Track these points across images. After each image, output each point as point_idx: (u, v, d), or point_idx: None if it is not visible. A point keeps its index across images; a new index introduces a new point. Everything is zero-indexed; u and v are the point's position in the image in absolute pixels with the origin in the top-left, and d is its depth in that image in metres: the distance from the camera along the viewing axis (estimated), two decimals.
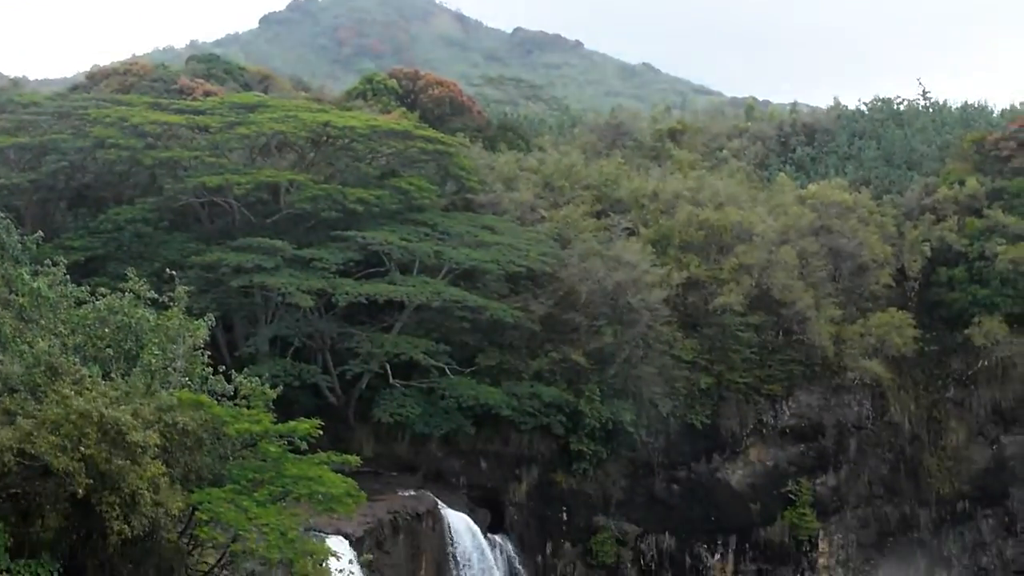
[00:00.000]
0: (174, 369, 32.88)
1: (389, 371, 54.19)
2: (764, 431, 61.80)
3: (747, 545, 60.92)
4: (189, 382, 33.12)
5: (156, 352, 32.46)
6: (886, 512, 63.82)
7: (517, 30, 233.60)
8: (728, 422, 60.88)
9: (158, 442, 28.50)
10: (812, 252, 62.78)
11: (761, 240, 62.22)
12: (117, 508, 27.41)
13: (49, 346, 29.51)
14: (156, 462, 28.25)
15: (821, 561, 62.31)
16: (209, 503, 30.06)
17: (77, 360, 30.53)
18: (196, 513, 30.45)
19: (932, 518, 64.35)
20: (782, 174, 74.02)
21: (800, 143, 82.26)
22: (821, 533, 62.12)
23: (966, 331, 64.32)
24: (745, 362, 61.14)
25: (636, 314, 57.89)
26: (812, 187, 68.83)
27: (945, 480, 64.44)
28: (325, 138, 60.26)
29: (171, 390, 31.46)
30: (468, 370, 55.76)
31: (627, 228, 63.03)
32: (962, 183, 68.70)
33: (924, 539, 64.28)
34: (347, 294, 52.55)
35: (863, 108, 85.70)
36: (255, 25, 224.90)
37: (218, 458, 31.95)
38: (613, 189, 67.19)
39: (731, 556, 60.76)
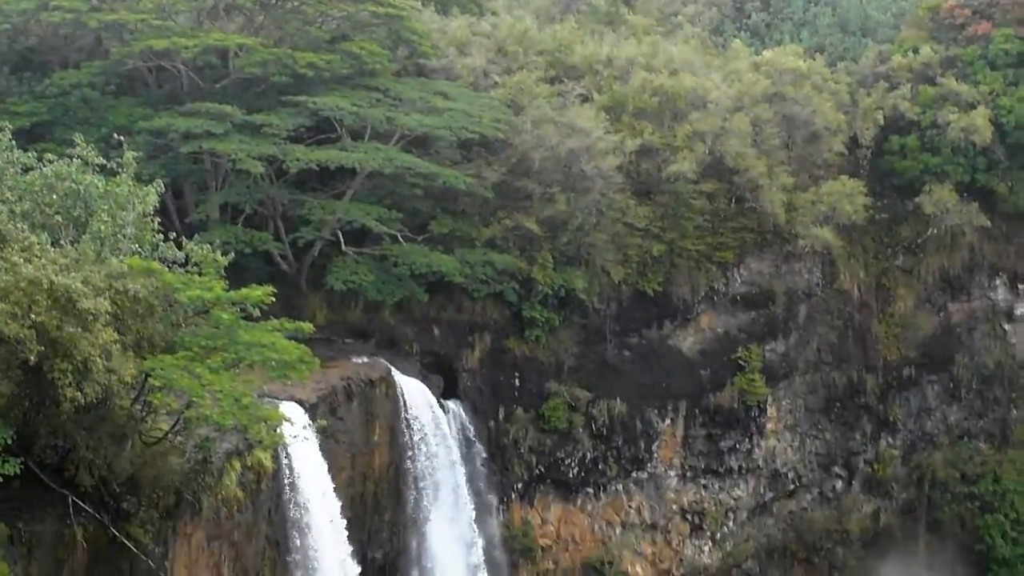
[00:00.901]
0: (124, 236, 32.59)
1: (341, 238, 53.97)
2: (715, 298, 62.23)
3: (697, 411, 61.69)
4: (139, 249, 32.86)
5: (105, 219, 32.15)
6: (834, 378, 64.70)
7: None
8: (679, 289, 61.19)
9: (109, 309, 28.35)
10: (766, 120, 62.55)
11: (715, 107, 61.94)
12: (69, 375, 27.37)
13: None
14: (107, 329, 28.13)
15: (769, 426, 63.29)
16: (162, 370, 30.04)
17: (25, 227, 30.20)
18: (149, 380, 30.44)
19: (879, 384, 65.31)
20: (737, 40, 73.44)
21: (755, 9, 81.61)
22: (770, 399, 62.98)
23: (916, 199, 64.68)
24: (697, 230, 61.27)
25: (589, 181, 57.74)
26: (767, 54, 68.27)
27: (892, 347, 65.31)
28: (274, 0, 59.10)
29: (121, 257, 31.22)
30: (421, 237, 55.64)
31: (581, 94, 62.53)
32: (916, 51, 68.40)
33: (870, 404, 65.30)
34: (298, 160, 52.04)
35: None
36: None
37: (170, 325, 31.86)
38: (567, 55, 66.44)
39: (681, 421, 61.56)
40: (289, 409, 39.48)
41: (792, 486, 64.93)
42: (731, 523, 63.82)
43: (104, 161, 34.31)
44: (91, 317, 27.66)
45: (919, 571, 66.17)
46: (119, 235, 32.64)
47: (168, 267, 32.63)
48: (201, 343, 31.87)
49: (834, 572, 65.83)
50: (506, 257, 56.23)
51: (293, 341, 33.80)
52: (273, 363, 32.85)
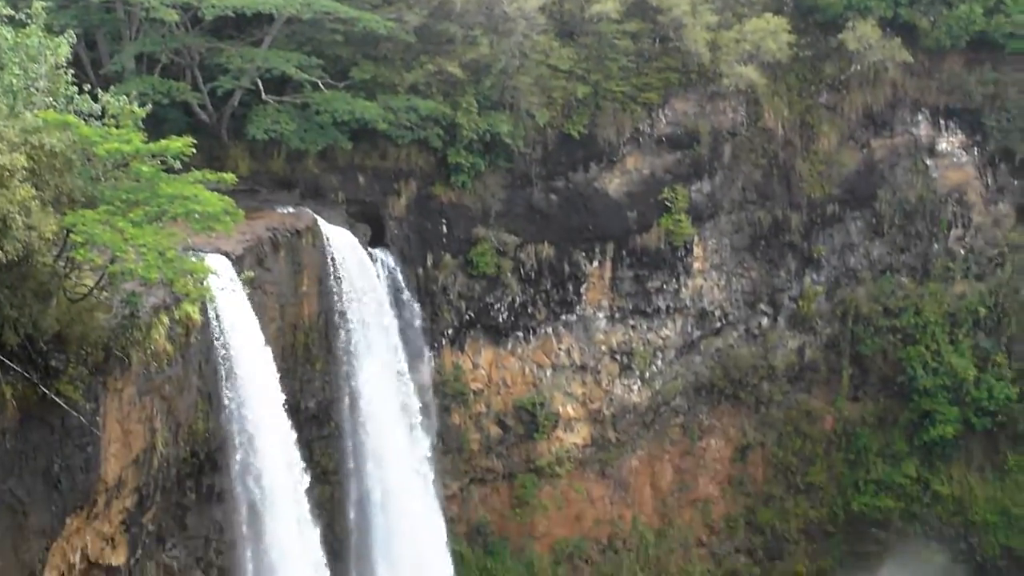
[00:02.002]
0: (37, 89, 31.80)
1: (261, 87, 53.08)
2: (640, 140, 62.11)
3: (624, 252, 62.00)
4: (54, 103, 32.09)
5: (17, 72, 31.28)
6: (759, 217, 65.14)
7: None
8: (605, 131, 60.96)
9: (25, 165, 27.76)
10: None
11: None
12: None
13: None
14: (25, 185, 27.57)
15: (696, 265, 63.82)
16: (83, 225, 29.52)
17: None
18: (70, 236, 29.94)
19: (803, 221, 65.85)
20: None
21: None
22: (696, 238, 63.38)
23: (840, 36, 64.47)
24: (622, 71, 60.85)
25: (512, 23, 57.00)
26: None
27: (816, 184, 65.71)
28: None
29: (35, 111, 30.47)
30: (342, 84, 54.87)
31: None
32: None
33: (795, 242, 65.93)
34: (213, 7, 50.72)
35: None
36: None
37: (89, 180, 31.27)
38: None
39: (608, 263, 61.91)
40: (215, 261, 39.15)
41: (719, 324, 65.79)
42: (659, 362, 64.70)
43: (12, 12, 33.33)
44: (7, 173, 27.07)
45: (844, 403, 67.72)
46: (32, 88, 31.83)
47: (84, 120, 31.92)
48: (122, 197, 31.32)
49: (760, 407, 67.19)
50: (430, 103, 55.64)
51: (216, 193, 33.32)
52: (197, 215, 32.37)
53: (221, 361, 40.57)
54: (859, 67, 65.37)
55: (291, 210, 50.60)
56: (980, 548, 66.68)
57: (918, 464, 67.12)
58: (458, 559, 58.31)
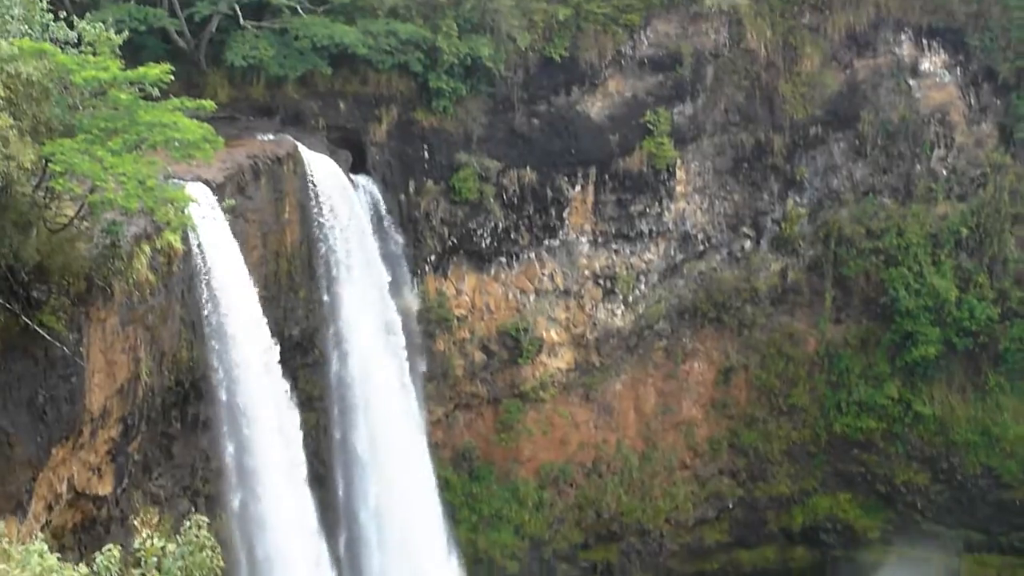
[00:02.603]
0: (12, 17, 31.37)
1: (239, 12, 52.46)
2: (622, 62, 61.67)
3: (606, 176, 61.79)
4: (29, 31, 31.68)
5: None
6: (741, 139, 64.88)
7: None
8: (586, 54, 60.50)
9: (2, 94, 27.43)
10: None
11: None
12: None
13: None
14: (2, 115, 27.25)
15: (679, 189, 63.68)
16: (62, 154, 29.24)
17: None
18: (49, 166, 29.66)
19: (786, 143, 65.61)
20: None
21: None
22: (678, 161, 63.16)
23: None
24: None
25: None
26: None
27: (799, 106, 65.41)
28: None
29: (11, 40, 30.02)
30: (321, 9, 54.22)
31: None
32: None
33: (778, 164, 65.74)
34: None
35: None
36: None
37: (67, 109, 30.92)
38: None
39: (591, 187, 61.74)
40: (196, 190, 38.92)
41: (702, 247, 65.77)
42: (642, 286, 64.74)
43: None
44: None
45: (827, 325, 67.94)
46: (6, 16, 31.39)
47: (60, 48, 31.52)
48: (100, 125, 30.98)
49: (743, 330, 67.37)
50: (409, 26, 55.09)
51: (195, 120, 33.00)
52: (176, 143, 32.10)
53: (203, 290, 40.47)
54: None
55: (271, 137, 50.22)
56: (961, 467, 67.21)
57: (900, 385, 67.45)
58: (444, 484, 58.68)
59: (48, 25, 32.56)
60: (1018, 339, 66.13)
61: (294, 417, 45.17)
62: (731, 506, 68.73)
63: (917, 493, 68.18)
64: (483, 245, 59.93)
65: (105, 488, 36.92)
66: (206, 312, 40.83)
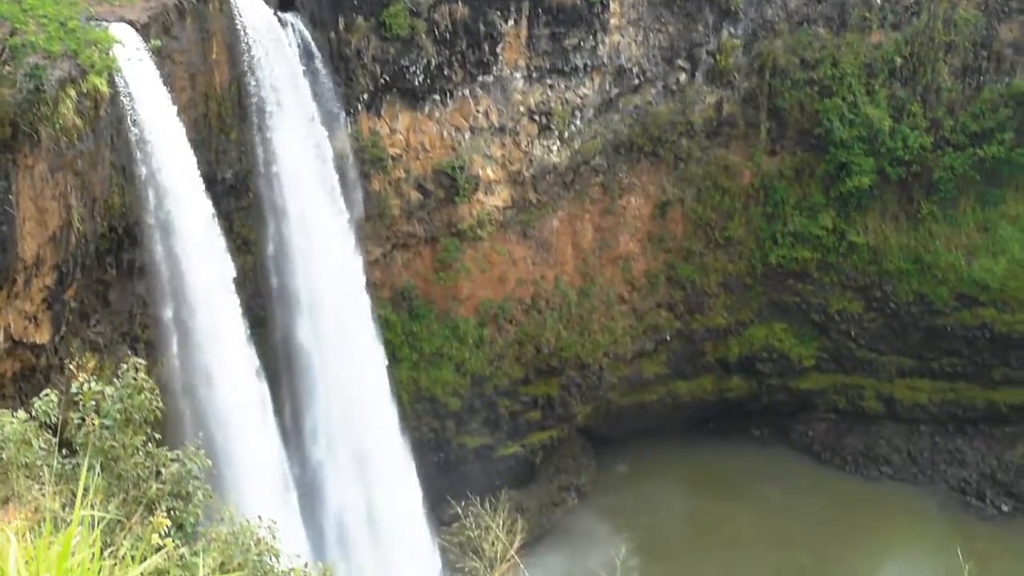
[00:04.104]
0: None
1: None
2: None
3: (540, 10, 60.79)
4: None
5: None
6: None
7: None
8: None
9: None
10: None
11: None
12: None
13: None
14: None
15: (613, 22, 62.83)
16: None
17: None
18: None
19: None
20: None
21: None
22: None
23: None
24: None
25: None
26: None
27: None
28: None
29: None
30: None
31: None
32: None
33: None
34: None
35: None
36: None
37: None
38: None
39: (524, 21, 60.78)
40: (119, 31, 37.94)
41: (637, 81, 65.32)
42: (578, 121, 64.38)
43: None
44: None
45: (761, 157, 68.07)
46: None
47: None
48: None
49: (679, 163, 67.41)
50: None
51: None
52: None
53: (132, 133, 39.78)
54: None
55: None
56: (894, 295, 68.28)
57: (834, 215, 68.04)
58: (384, 324, 58.85)
59: None
60: (950, 168, 66.64)
61: (228, 260, 44.89)
62: (669, 339, 69.67)
63: (851, 321, 69.35)
64: (416, 83, 59.07)
65: (42, 336, 36.71)
66: (136, 156, 40.20)
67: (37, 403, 18.92)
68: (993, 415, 68.53)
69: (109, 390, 18.81)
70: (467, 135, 61.60)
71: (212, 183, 45.07)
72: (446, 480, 59.37)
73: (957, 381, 68.91)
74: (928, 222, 67.83)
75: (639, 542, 60.17)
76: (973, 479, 67.37)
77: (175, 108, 41.75)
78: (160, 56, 41.47)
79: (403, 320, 61.43)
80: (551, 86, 62.94)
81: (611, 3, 62.38)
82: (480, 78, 60.93)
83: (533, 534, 59.71)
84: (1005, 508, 65.84)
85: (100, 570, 8.30)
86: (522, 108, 62.53)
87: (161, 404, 19.46)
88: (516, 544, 13.31)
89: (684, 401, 71.05)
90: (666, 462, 69.57)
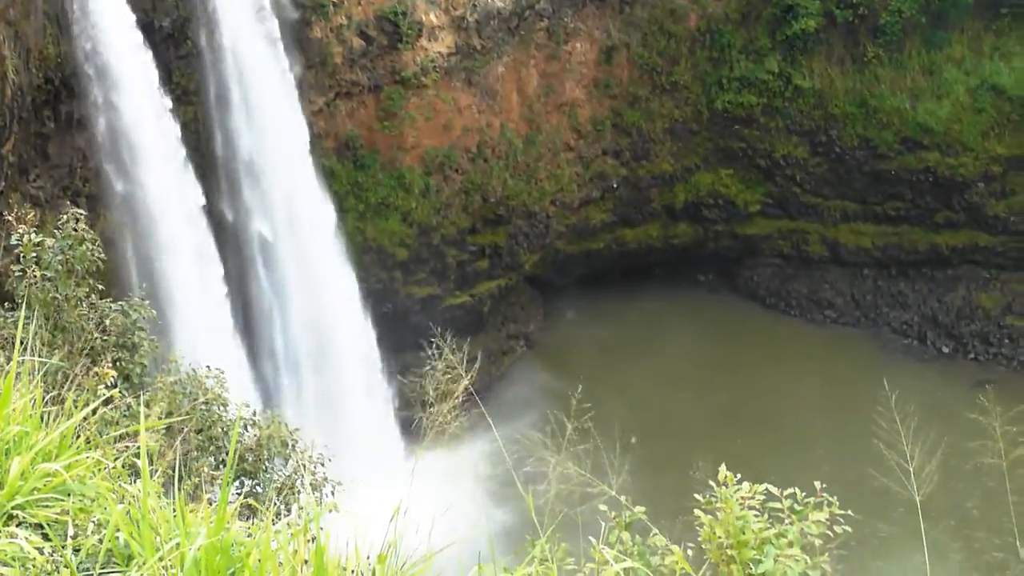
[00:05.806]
0: None
1: None
2: None
3: None
4: None
5: None
6: None
7: None
8: None
9: None
10: None
11: None
12: None
13: None
14: None
15: None
16: None
17: None
18: None
19: None
20: None
21: None
22: None
23: None
24: None
25: None
26: None
27: None
28: None
29: None
30: None
31: None
32: None
33: None
34: None
35: None
36: None
37: None
38: None
39: None
40: None
41: None
42: None
43: None
44: None
45: (709, 1, 67.30)
46: None
47: None
48: None
49: (624, 7, 66.64)
50: None
51: None
52: None
53: None
54: None
55: None
56: (839, 140, 68.25)
57: (780, 59, 67.62)
58: (328, 174, 58.39)
59: None
60: (897, 11, 66.11)
61: (172, 111, 44.26)
62: (615, 186, 69.60)
63: (796, 166, 69.45)
64: None
65: None
66: (70, 4, 39.21)
67: None
68: (935, 258, 69.19)
69: (50, 241, 18.54)
70: None
71: (149, 31, 44.10)
72: (396, 331, 59.57)
73: (900, 225, 69.36)
74: (874, 66, 67.49)
75: (588, 386, 60.74)
76: (915, 322, 68.36)
77: None
78: None
79: (348, 170, 60.85)
80: None
81: None
82: None
83: (483, 382, 60.20)
84: (945, 350, 66.96)
85: (42, 416, 8.21)
86: None
87: (103, 254, 19.23)
88: (468, 379, 13.36)
89: (631, 248, 71.31)
90: (613, 308, 70.09)
